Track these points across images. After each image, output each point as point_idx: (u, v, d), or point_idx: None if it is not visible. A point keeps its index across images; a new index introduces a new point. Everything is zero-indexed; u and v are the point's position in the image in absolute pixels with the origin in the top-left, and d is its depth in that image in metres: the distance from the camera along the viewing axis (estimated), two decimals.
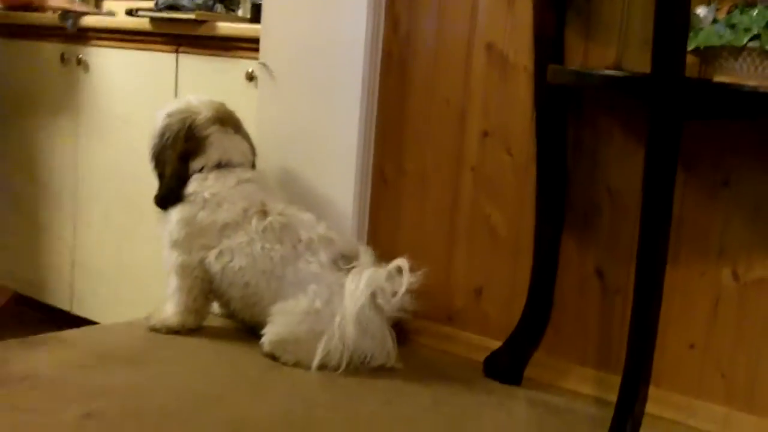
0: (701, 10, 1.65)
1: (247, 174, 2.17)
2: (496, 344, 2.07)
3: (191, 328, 2.14)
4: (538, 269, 2.03)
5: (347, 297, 1.95)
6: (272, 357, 2.00)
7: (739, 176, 1.78)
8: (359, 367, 1.98)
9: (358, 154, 2.28)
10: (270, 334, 2.01)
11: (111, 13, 3.04)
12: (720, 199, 1.80)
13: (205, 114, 2.15)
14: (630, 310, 1.65)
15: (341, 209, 2.30)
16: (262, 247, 2.05)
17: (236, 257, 2.06)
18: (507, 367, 2.03)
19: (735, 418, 1.80)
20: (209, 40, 2.64)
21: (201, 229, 2.09)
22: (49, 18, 3.08)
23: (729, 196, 1.79)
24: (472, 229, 2.18)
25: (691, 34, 1.60)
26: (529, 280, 2.04)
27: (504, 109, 2.10)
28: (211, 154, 2.14)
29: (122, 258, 2.95)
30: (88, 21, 2.99)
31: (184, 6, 2.77)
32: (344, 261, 2.05)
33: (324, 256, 2.04)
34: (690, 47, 1.60)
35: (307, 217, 2.12)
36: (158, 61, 2.78)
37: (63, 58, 3.06)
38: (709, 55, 1.64)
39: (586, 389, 1.99)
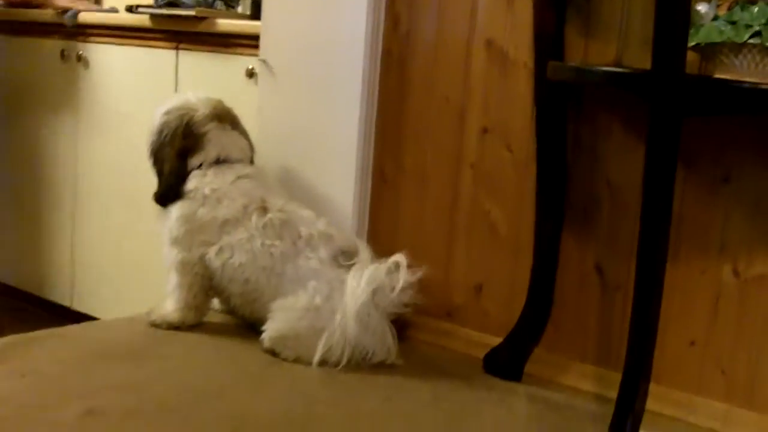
0: (702, 7, 1.65)
1: (247, 170, 2.17)
2: (496, 341, 2.07)
3: (191, 325, 2.14)
4: (538, 266, 2.03)
5: (349, 294, 1.95)
6: (272, 353, 2.00)
7: (739, 172, 1.78)
8: (359, 364, 1.98)
9: (358, 151, 2.28)
10: (270, 330, 2.01)
11: (114, 10, 3.04)
12: (720, 196, 1.80)
13: (202, 111, 2.16)
14: (630, 306, 1.65)
15: (341, 206, 2.30)
16: (262, 244, 2.05)
17: (236, 253, 2.06)
18: (507, 363, 2.03)
19: (735, 414, 1.80)
20: (209, 36, 2.64)
21: (201, 225, 2.09)
22: (49, 15, 3.08)
23: (729, 193, 1.79)
24: (471, 225, 2.18)
25: (691, 31, 1.60)
26: (529, 277, 2.04)
27: (504, 106, 2.10)
28: (210, 151, 2.14)
29: (122, 254, 2.95)
30: (89, 17, 2.99)
31: (184, 3, 2.77)
32: (344, 257, 2.05)
33: (324, 253, 2.04)
34: (690, 44, 1.60)
35: (306, 213, 2.12)
36: (158, 58, 2.78)
37: (63, 55, 3.05)
38: (709, 51, 1.64)
39: (586, 386, 1.99)
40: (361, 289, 1.94)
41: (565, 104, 1.97)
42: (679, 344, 1.87)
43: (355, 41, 2.24)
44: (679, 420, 1.85)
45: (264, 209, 2.09)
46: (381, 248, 2.09)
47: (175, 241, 2.12)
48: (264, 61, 2.42)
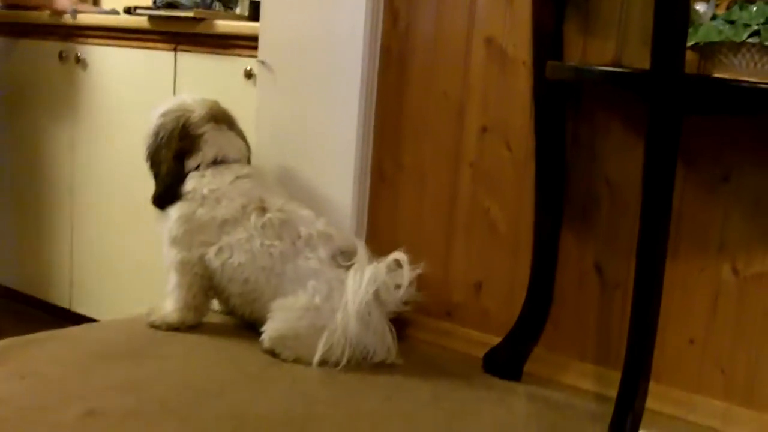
0: (701, 6, 1.65)
1: (244, 170, 2.17)
2: (496, 340, 2.07)
3: (191, 325, 2.14)
4: (537, 264, 2.03)
5: (350, 293, 1.95)
6: (272, 353, 2.00)
7: (738, 171, 1.78)
8: (359, 363, 1.98)
9: (357, 149, 2.28)
10: (270, 330, 2.01)
11: (115, 12, 3.04)
12: (720, 194, 1.80)
13: (199, 112, 2.16)
14: (629, 305, 1.65)
15: (340, 205, 2.30)
16: (262, 244, 2.05)
17: (235, 253, 2.07)
18: (506, 362, 2.03)
19: (735, 413, 1.81)
20: (207, 37, 2.64)
21: (200, 225, 2.09)
22: (47, 16, 3.07)
23: (729, 191, 1.79)
24: (471, 224, 2.19)
25: (690, 30, 1.60)
26: (528, 275, 2.04)
27: (503, 104, 2.10)
28: (207, 152, 2.15)
29: (121, 255, 2.95)
30: (87, 19, 2.99)
31: (182, 4, 2.77)
32: (343, 257, 2.05)
33: (323, 252, 2.04)
34: (689, 43, 1.61)
35: (306, 213, 2.13)
36: (157, 59, 2.78)
37: (61, 56, 3.05)
38: (708, 50, 1.64)
39: (585, 384, 1.99)
40: (363, 288, 1.94)
41: (564, 103, 1.98)
42: (678, 343, 1.87)
43: (353, 39, 2.24)
44: (679, 419, 1.85)
45: (263, 209, 2.09)
46: (380, 247, 2.09)
47: (175, 242, 2.12)
48: (262, 62, 2.42)
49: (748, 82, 1.56)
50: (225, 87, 2.54)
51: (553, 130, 1.97)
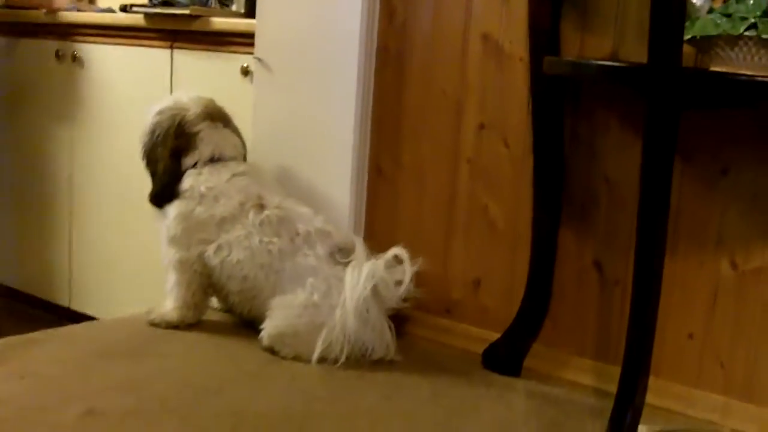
0: (697, 0, 1.65)
1: (241, 167, 2.17)
2: (495, 336, 2.07)
3: (190, 323, 2.14)
4: (536, 261, 2.03)
5: (348, 290, 1.95)
6: (271, 351, 2.00)
7: (736, 166, 1.78)
8: (358, 361, 1.98)
9: (355, 147, 2.28)
10: (269, 327, 2.01)
11: (111, 11, 3.03)
12: (718, 189, 1.80)
13: (194, 110, 2.16)
14: (629, 300, 1.65)
15: (338, 203, 2.30)
16: (260, 241, 2.05)
17: (234, 251, 2.06)
18: (506, 358, 2.03)
19: (734, 407, 1.81)
20: (204, 35, 2.63)
21: (199, 223, 2.09)
22: (44, 15, 3.07)
23: (727, 186, 1.79)
24: (469, 221, 2.18)
25: (687, 24, 1.60)
26: (527, 272, 2.04)
27: (500, 101, 2.10)
28: (204, 150, 2.15)
29: (120, 253, 2.95)
30: (83, 17, 2.98)
31: (178, 1, 2.77)
32: (341, 254, 2.05)
33: (321, 250, 2.04)
34: (686, 37, 1.60)
35: (304, 210, 2.13)
36: (153, 57, 2.77)
37: (58, 55, 3.05)
38: (705, 44, 1.64)
39: (585, 380, 1.99)
40: (361, 284, 1.94)
41: (562, 99, 1.97)
42: (677, 338, 1.87)
43: (350, 37, 2.24)
44: (679, 413, 1.85)
45: (261, 206, 2.09)
46: (378, 244, 2.09)
47: (173, 240, 2.12)
48: (259, 59, 2.42)
49: (745, 75, 1.56)
50: (222, 84, 2.54)
51: (551, 127, 1.97)
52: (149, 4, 2.82)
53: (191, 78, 2.67)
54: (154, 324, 2.13)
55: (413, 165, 2.27)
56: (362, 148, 2.30)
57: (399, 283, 1.98)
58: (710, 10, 1.63)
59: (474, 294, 2.19)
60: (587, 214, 2.00)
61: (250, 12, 2.66)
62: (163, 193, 2.15)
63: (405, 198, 2.29)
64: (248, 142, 2.34)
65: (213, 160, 2.15)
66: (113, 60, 2.92)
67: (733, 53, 1.59)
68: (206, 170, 2.13)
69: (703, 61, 1.72)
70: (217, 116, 2.20)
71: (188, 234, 2.10)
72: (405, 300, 2.01)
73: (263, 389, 1.82)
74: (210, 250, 2.09)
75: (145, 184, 2.19)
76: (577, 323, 2.03)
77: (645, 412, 1.66)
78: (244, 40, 2.51)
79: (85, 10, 3.11)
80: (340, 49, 2.26)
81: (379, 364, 2.00)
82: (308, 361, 1.96)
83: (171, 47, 2.73)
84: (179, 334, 2.10)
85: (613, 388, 1.67)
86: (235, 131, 2.24)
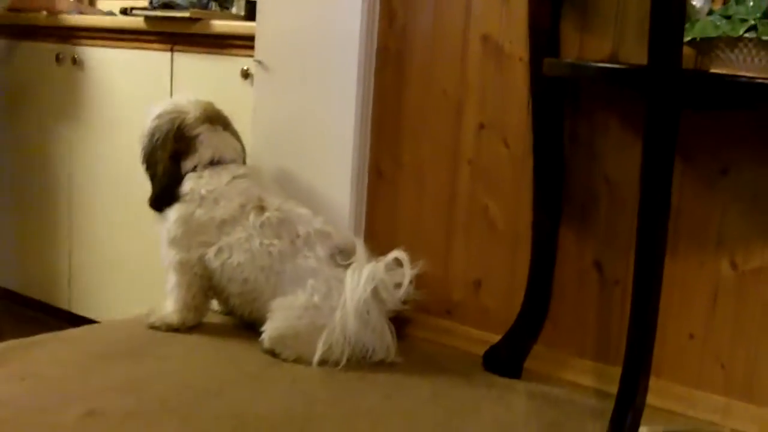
0: (697, 1, 1.65)
1: (241, 169, 2.18)
2: (495, 337, 2.07)
3: (191, 325, 2.14)
4: (536, 261, 2.03)
5: (348, 291, 1.95)
6: (272, 353, 2.00)
7: (736, 166, 1.78)
8: (359, 362, 1.98)
9: (355, 148, 2.28)
10: (269, 330, 2.01)
11: (113, 13, 3.04)
12: (718, 189, 1.80)
13: (193, 114, 2.16)
14: (629, 301, 1.65)
15: (338, 204, 2.30)
16: (261, 243, 2.05)
17: (235, 253, 2.06)
18: (506, 360, 2.03)
19: (735, 407, 1.81)
20: (204, 38, 2.64)
21: (199, 226, 2.09)
22: (44, 18, 3.07)
23: (727, 186, 1.80)
24: (469, 222, 2.18)
25: (687, 26, 1.60)
26: (527, 273, 2.04)
27: (500, 101, 2.10)
28: (203, 153, 2.15)
29: (120, 256, 2.95)
30: (83, 20, 2.98)
31: (178, 4, 2.77)
32: (342, 256, 2.05)
33: (322, 251, 2.04)
34: (686, 38, 1.60)
35: (304, 211, 2.13)
36: (153, 60, 2.78)
37: (58, 58, 3.05)
38: (705, 46, 1.64)
39: (585, 381, 1.99)
40: (361, 286, 1.94)
41: (562, 100, 1.98)
42: (678, 338, 1.87)
43: (350, 38, 2.24)
44: (679, 414, 1.85)
45: (261, 208, 2.09)
46: (379, 245, 2.10)
47: (173, 243, 2.12)
48: (259, 62, 2.42)
49: (745, 77, 1.56)
50: (222, 87, 2.54)
51: (551, 128, 1.97)
52: (149, 7, 2.82)
53: (191, 81, 2.68)
54: (154, 326, 2.13)
55: (413, 165, 2.27)
56: (362, 149, 2.30)
57: (399, 285, 1.98)
58: (710, 12, 1.63)
59: (474, 295, 2.19)
60: (587, 214, 2.00)
61: (249, 15, 2.66)
62: (163, 197, 2.15)
63: (405, 199, 2.29)
64: (248, 144, 2.34)
65: (213, 163, 2.16)
66: (113, 63, 2.92)
67: (733, 55, 1.59)
68: (206, 173, 2.14)
69: (703, 62, 1.72)
70: (216, 119, 2.20)
71: (188, 236, 2.10)
72: (405, 302, 2.01)
73: (264, 391, 1.82)
74: (210, 252, 2.09)
75: (145, 186, 2.19)
76: (578, 324, 2.03)
77: (646, 412, 1.66)
78: (244, 42, 2.51)
79: (87, 13, 3.11)
80: (340, 50, 2.26)
81: (380, 365, 2.00)
82: (309, 363, 1.96)
83: (171, 50, 2.73)
84: (179, 336, 2.10)
85: (613, 389, 1.67)
86: (235, 134, 2.25)
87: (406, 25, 2.24)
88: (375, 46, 2.28)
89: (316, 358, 1.95)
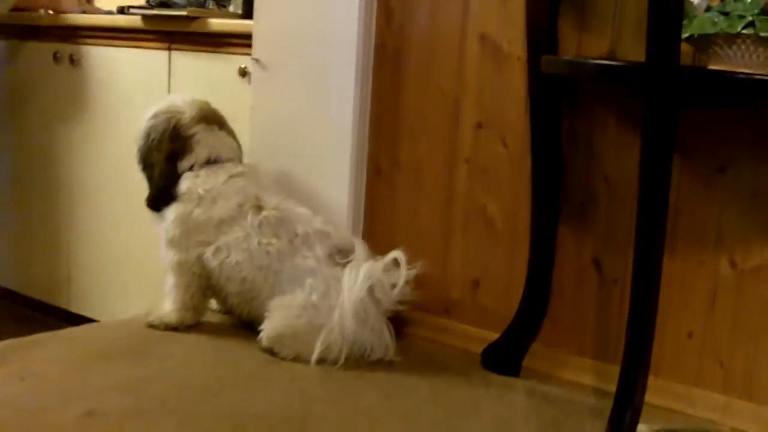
0: None
1: (238, 168, 2.17)
2: (494, 336, 2.07)
3: (189, 325, 2.14)
4: (534, 260, 2.03)
5: (345, 290, 1.95)
6: (270, 352, 2.00)
7: (735, 163, 1.78)
8: (357, 361, 1.98)
9: (353, 147, 2.28)
10: (268, 329, 2.01)
11: (112, 12, 3.04)
12: (716, 187, 1.80)
13: (189, 113, 2.15)
14: (628, 300, 1.65)
15: (336, 203, 2.30)
16: (259, 242, 2.05)
17: (233, 253, 2.06)
18: (505, 358, 2.03)
19: (734, 406, 1.81)
20: (201, 36, 2.63)
21: (197, 225, 2.09)
22: (41, 17, 3.07)
23: (725, 184, 1.79)
24: (467, 221, 2.18)
25: (685, 22, 1.60)
26: (526, 272, 2.04)
27: (498, 100, 2.10)
28: (200, 152, 2.14)
29: (120, 255, 2.95)
30: (80, 19, 2.98)
31: (175, 3, 2.77)
32: (340, 255, 2.05)
33: (320, 251, 2.04)
34: (684, 35, 1.60)
35: (302, 210, 2.12)
36: (151, 59, 2.77)
37: (56, 57, 3.05)
38: (702, 42, 1.64)
39: (584, 379, 1.99)
40: (358, 285, 1.94)
41: (560, 98, 1.97)
42: (677, 337, 1.87)
43: (347, 37, 2.24)
44: (678, 412, 1.85)
45: (259, 207, 2.09)
46: (377, 245, 2.09)
47: (172, 243, 2.12)
48: (257, 60, 2.42)
49: (743, 73, 1.56)
50: (219, 85, 2.54)
51: (549, 126, 1.97)
52: (147, 6, 2.82)
53: (189, 79, 2.67)
54: (152, 326, 2.13)
55: (411, 164, 2.27)
56: (360, 148, 2.30)
57: (394, 286, 1.97)
58: (708, 9, 1.62)
59: (473, 294, 2.19)
60: (586, 213, 2.00)
61: (247, 13, 2.65)
62: (160, 197, 2.14)
63: (403, 198, 2.29)
64: (246, 143, 2.34)
65: (209, 162, 2.15)
66: (111, 62, 2.91)
67: (731, 51, 1.59)
68: (203, 172, 2.13)
69: (700, 59, 1.72)
70: (212, 119, 2.19)
71: (187, 236, 2.10)
72: (402, 303, 2.01)
73: (263, 390, 1.82)
74: (209, 252, 2.09)
75: (144, 186, 2.19)
76: (576, 322, 2.03)
77: (644, 411, 1.66)
78: (241, 41, 2.51)
79: (90, 12, 3.10)
80: (337, 49, 2.26)
81: (379, 364, 2.00)
82: (307, 362, 1.96)
83: (169, 49, 2.73)
84: (178, 335, 2.10)
85: (612, 387, 1.67)
86: (231, 133, 2.24)
87: (403, 23, 2.24)
88: (373, 45, 2.28)
89: (314, 357, 1.95)
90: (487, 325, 2.14)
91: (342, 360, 1.96)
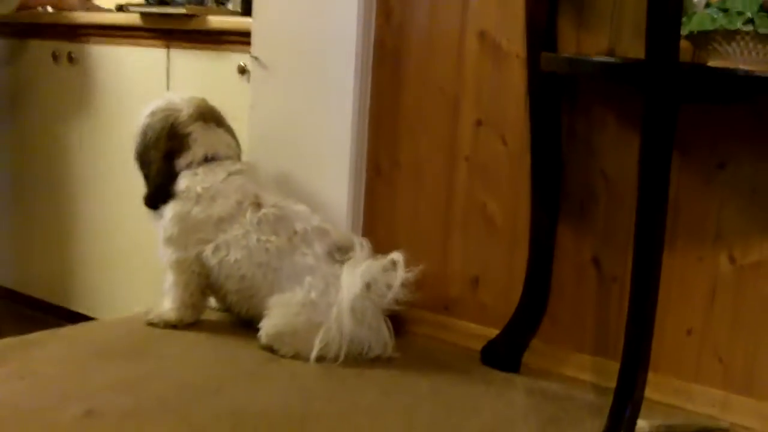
0: None
1: (236, 166, 2.17)
2: (494, 333, 2.07)
3: (189, 323, 2.14)
4: (534, 257, 2.03)
5: (343, 288, 1.95)
6: (270, 349, 2.00)
7: (734, 160, 1.78)
8: (357, 358, 1.98)
9: (352, 145, 2.28)
10: (267, 326, 2.01)
11: (110, 10, 3.04)
12: (716, 184, 1.80)
13: (186, 111, 2.15)
14: (627, 296, 1.65)
15: (336, 201, 2.30)
16: (258, 240, 2.05)
17: (232, 250, 2.06)
18: (505, 355, 2.03)
19: (733, 401, 1.81)
20: (200, 34, 2.63)
21: (196, 224, 2.09)
22: (40, 16, 3.07)
23: (725, 180, 1.80)
24: (467, 218, 2.18)
25: (684, 19, 1.60)
26: (525, 269, 2.04)
27: (498, 98, 2.10)
28: (197, 150, 2.14)
29: (119, 254, 2.95)
30: (79, 17, 2.98)
31: (174, 0, 2.76)
32: (339, 252, 2.05)
33: (319, 248, 2.04)
34: (683, 32, 1.60)
35: (301, 208, 2.12)
36: (149, 57, 2.77)
37: (54, 56, 3.04)
38: (702, 39, 1.64)
39: (584, 376, 1.99)
40: (355, 283, 1.94)
41: (559, 96, 1.97)
42: (676, 333, 1.87)
43: (347, 34, 2.24)
44: (678, 408, 1.85)
45: (258, 205, 2.09)
46: (377, 243, 2.09)
47: (170, 241, 2.12)
48: (256, 58, 2.42)
49: (743, 70, 1.56)
50: (218, 83, 2.54)
51: (548, 124, 1.97)
52: (145, 4, 2.81)
53: (188, 77, 2.67)
54: (152, 324, 2.13)
55: (411, 163, 2.27)
56: (360, 146, 2.30)
57: (390, 286, 1.97)
58: (707, 5, 1.62)
59: (472, 291, 2.19)
60: (585, 210, 2.00)
61: (246, 10, 2.66)
62: (157, 195, 2.14)
63: (403, 196, 2.29)
64: (245, 140, 2.34)
65: (207, 160, 2.15)
66: (110, 60, 2.91)
67: (731, 48, 1.59)
68: (201, 170, 2.13)
69: (700, 56, 1.72)
70: (209, 116, 2.19)
71: (185, 234, 2.10)
72: (399, 303, 2.00)
73: (262, 388, 1.82)
74: (208, 250, 2.09)
75: (143, 184, 2.19)
76: (576, 319, 2.03)
77: (644, 406, 1.66)
78: (240, 38, 2.50)
79: (93, 10, 3.10)
80: (336, 46, 2.26)
81: (378, 361, 2.00)
82: (306, 359, 1.96)
83: (167, 46, 2.72)
84: (178, 334, 2.10)
85: (612, 383, 1.67)
86: (229, 131, 2.24)
87: (402, 21, 2.24)
88: (372, 43, 2.27)
89: (313, 354, 1.95)
90: (486, 322, 2.15)
91: (341, 357, 1.96)
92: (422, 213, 2.26)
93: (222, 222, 2.08)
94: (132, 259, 2.88)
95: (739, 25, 1.55)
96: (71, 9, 3.06)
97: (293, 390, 1.82)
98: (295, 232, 2.06)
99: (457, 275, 2.21)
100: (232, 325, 2.18)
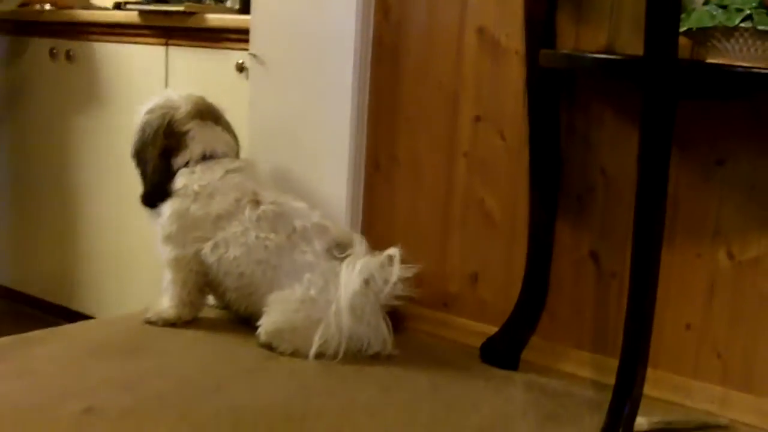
0: None
1: (234, 163, 2.17)
2: (493, 329, 2.07)
3: (187, 320, 2.14)
4: (533, 253, 2.03)
5: (342, 285, 1.95)
6: (269, 347, 2.00)
7: (733, 156, 1.78)
8: (356, 355, 1.98)
9: (351, 141, 2.28)
10: (266, 324, 2.01)
11: (108, 8, 3.03)
12: (714, 180, 1.80)
13: (184, 109, 2.14)
14: (626, 292, 1.65)
15: (335, 198, 2.30)
16: (257, 237, 2.04)
17: (231, 247, 2.06)
18: (504, 351, 2.03)
19: (732, 397, 1.81)
20: (198, 31, 2.63)
21: (194, 221, 2.09)
22: (38, 13, 3.06)
23: (723, 176, 1.80)
24: (466, 214, 2.18)
25: (683, 16, 1.60)
26: (524, 265, 2.04)
27: (496, 94, 2.10)
28: (194, 148, 2.13)
29: (118, 252, 2.94)
30: (77, 15, 2.97)
31: None
32: (339, 249, 2.04)
33: (318, 245, 2.04)
34: (682, 28, 1.60)
35: (300, 205, 2.12)
36: (148, 55, 2.77)
37: (52, 53, 3.04)
38: (701, 36, 1.64)
39: (583, 372, 1.99)
40: (353, 280, 1.94)
41: (558, 92, 1.97)
42: (675, 329, 1.87)
43: (345, 31, 2.23)
44: (676, 404, 1.85)
45: (256, 202, 2.08)
46: (376, 239, 2.09)
47: (168, 239, 2.12)
48: (254, 55, 2.41)
49: (741, 67, 1.56)
50: (217, 81, 2.53)
51: (547, 120, 1.97)
52: (144, 1, 2.81)
53: (186, 75, 2.67)
54: (150, 322, 2.13)
55: (410, 158, 2.26)
56: (359, 142, 2.30)
57: (387, 282, 1.97)
58: (706, 2, 1.62)
59: (471, 287, 2.19)
60: (584, 206, 2.00)
61: (244, 8, 2.65)
62: (154, 193, 2.14)
63: (402, 192, 2.29)
64: (244, 138, 2.34)
65: (204, 157, 2.14)
66: (108, 57, 2.91)
67: (729, 45, 1.59)
68: (199, 168, 2.12)
69: (699, 53, 1.72)
70: (207, 114, 2.18)
71: (184, 232, 2.09)
72: (397, 298, 2.00)
73: (261, 385, 1.82)
74: (206, 247, 2.08)
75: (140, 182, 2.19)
76: (575, 316, 2.03)
77: (643, 403, 1.67)
78: (238, 36, 2.50)
79: (92, 8, 3.10)
80: (335, 43, 2.26)
81: (377, 358, 2.00)
82: (306, 356, 1.96)
83: (166, 44, 2.72)
84: (176, 331, 2.10)
85: (611, 380, 1.67)
86: (227, 128, 2.23)
87: (401, 17, 2.24)
88: (371, 39, 2.27)
89: (312, 351, 1.95)
90: (485, 319, 2.15)
91: (341, 354, 1.96)
92: (421, 209, 2.26)
93: (220, 219, 2.08)
94: (131, 257, 2.88)
95: (737, 21, 1.55)
96: (70, 6, 3.05)
97: (292, 387, 1.82)
98: (294, 229, 2.06)
99: (456, 271, 2.21)
100: (231, 323, 2.18)
